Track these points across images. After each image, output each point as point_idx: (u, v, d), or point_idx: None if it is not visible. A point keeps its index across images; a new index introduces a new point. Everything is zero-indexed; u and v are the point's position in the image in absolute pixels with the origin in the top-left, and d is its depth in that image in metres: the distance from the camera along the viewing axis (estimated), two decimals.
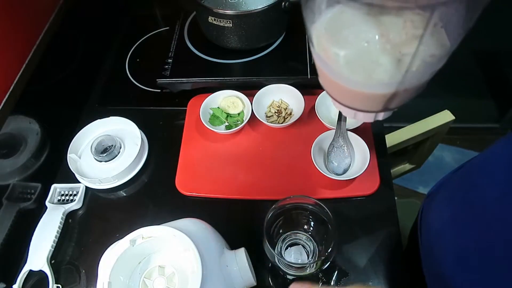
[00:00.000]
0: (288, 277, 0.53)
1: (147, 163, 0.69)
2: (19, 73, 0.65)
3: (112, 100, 0.81)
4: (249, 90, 0.71)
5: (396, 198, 0.63)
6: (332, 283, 0.55)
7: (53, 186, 0.67)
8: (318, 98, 0.69)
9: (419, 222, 0.59)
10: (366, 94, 0.30)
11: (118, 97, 0.81)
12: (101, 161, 0.66)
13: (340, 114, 0.53)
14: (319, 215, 0.51)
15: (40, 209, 0.64)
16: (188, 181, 0.66)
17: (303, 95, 0.69)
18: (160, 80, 0.73)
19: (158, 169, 0.69)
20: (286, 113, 0.71)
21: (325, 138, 0.64)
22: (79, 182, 0.67)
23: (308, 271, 0.48)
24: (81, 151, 0.70)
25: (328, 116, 0.69)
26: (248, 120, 0.68)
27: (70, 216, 0.65)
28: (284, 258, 0.47)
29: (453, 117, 0.93)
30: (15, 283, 0.57)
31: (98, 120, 0.71)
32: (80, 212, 0.66)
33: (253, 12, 0.67)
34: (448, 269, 0.46)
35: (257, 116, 0.68)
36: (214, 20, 0.69)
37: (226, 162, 0.67)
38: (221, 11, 0.67)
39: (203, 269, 0.38)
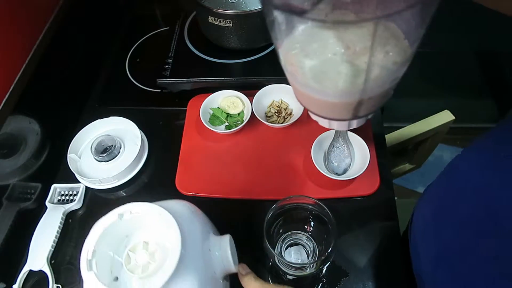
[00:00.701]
0: (288, 277, 0.53)
1: (147, 163, 0.69)
2: (19, 73, 0.65)
3: (112, 100, 0.81)
4: (249, 90, 0.71)
5: (396, 198, 0.63)
6: (332, 283, 0.55)
7: (53, 186, 0.67)
8: None
9: (410, 223, 0.60)
10: (333, 103, 0.31)
11: (118, 97, 0.81)
12: (101, 161, 0.66)
13: None
14: (319, 215, 0.51)
15: (40, 209, 0.64)
16: (188, 181, 0.66)
17: None
18: (160, 80, 0.73)
19: (158, 169, 0.69)
20: (286, 113, 0.71)
21: (325, 138, 0.64)
22: (79, 182, 0.67)
23: (308, 271, 0.48)
24: (81, 151, 0.70)
25: None
26: (248, 120, 0.68)
27: (70, 216, 0.65)
28: (284, 258, 0.47)
29: (453, 117, 0.93)
30: (15, 283, 0.57)
31: (98, 120, 0.71)
32: (80, 212, 0.66)
33: (253, 12, 0.67)
34: (430, 267, 0.47)
35: (257, 116, 0.68)
36: (214, 20, 0.69)
37: (226, 162, 0.67)
38: (221, 11, 0.67)
39: (182, 248, 0.39)
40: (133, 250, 0.43)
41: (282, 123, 0.69)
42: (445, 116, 0.94)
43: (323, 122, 0.36)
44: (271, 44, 0.74)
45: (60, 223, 0.62)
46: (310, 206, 0.51)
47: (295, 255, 0.53)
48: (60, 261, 0.60)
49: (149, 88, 0.80)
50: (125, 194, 0.67)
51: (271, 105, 0.72)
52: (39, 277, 0.59)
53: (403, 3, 0.21)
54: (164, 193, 0.66)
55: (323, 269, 0.56)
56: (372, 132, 0.67)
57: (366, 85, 0.28)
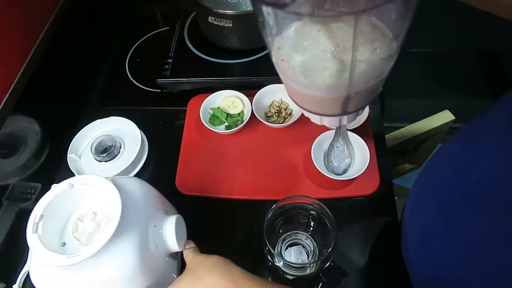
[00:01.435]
0: (288, 277, 0.53)
1: (147, 163, 0.69)
2: (19, 73, 0.65)
3: (112, 100, 0.81)
4: (249, 90, 0.71)
5: (396, 198, 0.63)
6: (332, 283, 0.55)
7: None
8: None
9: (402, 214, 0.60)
10: (321, 98, 0.32)
11: (118, 97, 0.81)
12: (101, 161, 0.66)
13: None
14: (319, 215, 0.51)
15: None
16: (188, 181, 0.66)
17: None
18: (160, 80, 0.73)
19: (158, 169, 0.69)
20: (286, 113, 0.71)
21: (325, 138, 0.64)
22: None
23: (308, 271, 0.48)
24: (81, 151, 0.70)
25: None
26: (248, 120, 0.68)
27: None
28: (284, 258, 0.47)
29: (453, 117, 0.93)
30: (15, 283, 0.57)
31: (98, 120, 0.71)
32: None
33: (253, 12, 0.67)
34: (414, 251, 0.47)
35: (257, 116, 0.68)
36: (214, 20, 0.69)
37: (226, 162, 0.67)
38: (221, 11, 0.67)
39: (121, 218, 0.41)
40: (81, 219, 0.46)
41: (282, 123, 0.69)
42: (445, 116, 0.94)
43: (314, 119, 0.37)
44: None
45: None
46: (310, 206, 0.51)
47: (295, 255, 0.53)
48: None
49: (149, 88, 0.80)
50: None
51: (271, 105, 0.72)
52: None
53: None
54: (164, 193, 0.66)
55: (323, 269, 0.56)
56: (372, 132, 0.67)
57: (352, 80, 0.29)
